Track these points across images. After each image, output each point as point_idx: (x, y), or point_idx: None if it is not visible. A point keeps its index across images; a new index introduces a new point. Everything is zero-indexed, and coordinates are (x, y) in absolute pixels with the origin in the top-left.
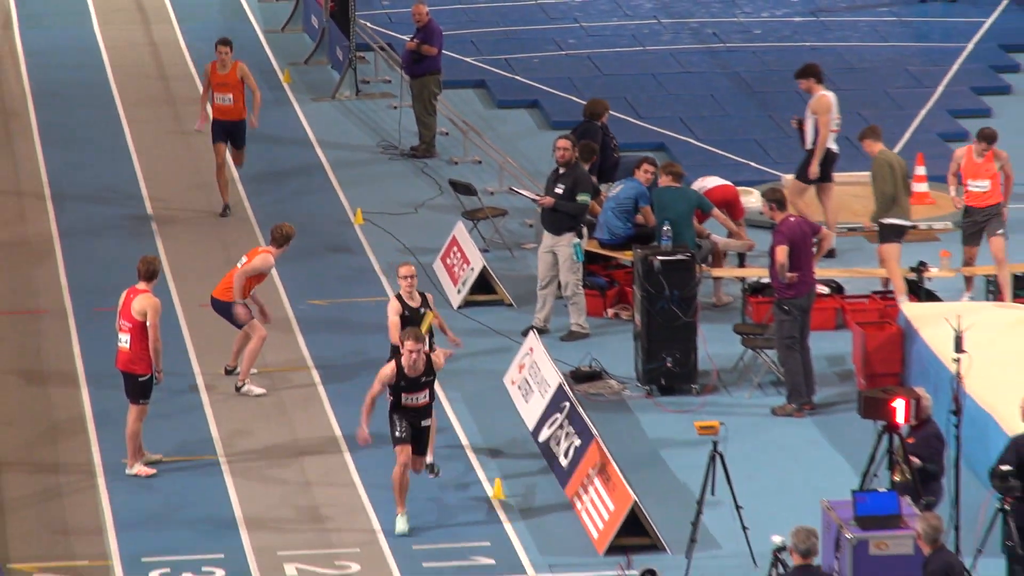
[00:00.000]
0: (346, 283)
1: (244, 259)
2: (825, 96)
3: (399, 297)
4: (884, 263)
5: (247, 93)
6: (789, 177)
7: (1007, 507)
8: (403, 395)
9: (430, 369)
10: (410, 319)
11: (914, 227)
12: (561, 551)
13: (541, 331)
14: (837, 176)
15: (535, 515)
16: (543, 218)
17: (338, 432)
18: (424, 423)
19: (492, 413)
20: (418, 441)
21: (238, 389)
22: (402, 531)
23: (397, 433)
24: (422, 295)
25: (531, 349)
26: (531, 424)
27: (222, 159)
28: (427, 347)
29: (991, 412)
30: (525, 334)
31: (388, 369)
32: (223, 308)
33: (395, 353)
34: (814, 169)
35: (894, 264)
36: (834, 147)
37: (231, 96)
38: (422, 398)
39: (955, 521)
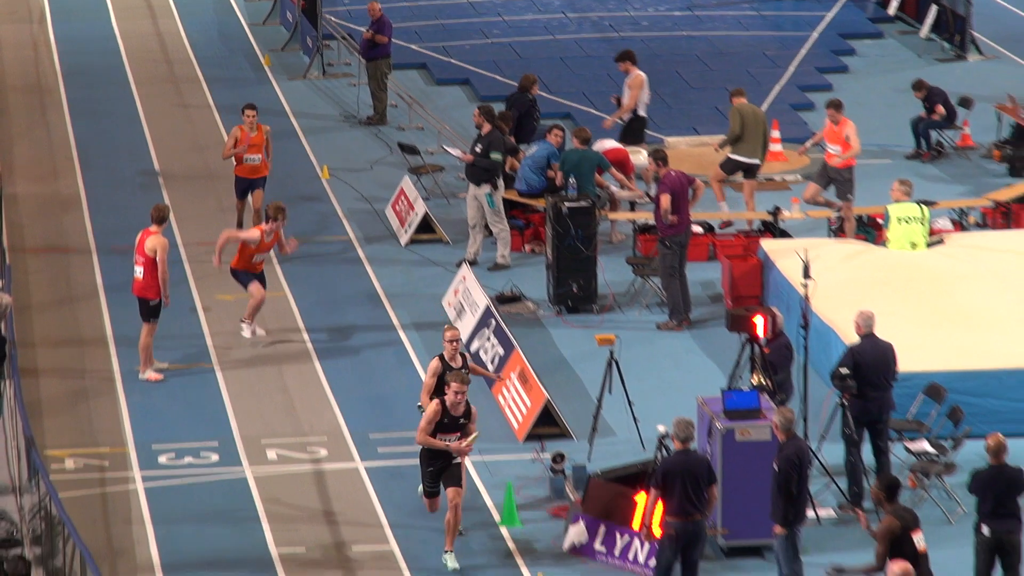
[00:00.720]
0: (315, 225)
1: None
2: (639, 75)
3: (441, 358)
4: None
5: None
6: (673, 139)
7: (845, 402)
8: (439, 435)
9: (468, 413)
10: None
11: (756, 165)
12: (488, 439)
13: (472, 263)
14: (707, 139)
15: None
16: (467, 172)
17: (309, 345)
18: (455, 460)
19: (433, 329)
20: (452, 475)
21: (241, 321)
22: (453, 568)
23: (427, 487)
24: (463, 356)
25: (464, 277)
26: (464, 337)
27: (240, 217)
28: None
29: (832, 326)
30: (459, 265)
31: (434, 407)
32: (235, 275)
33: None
34: (608, 122)
35: (716, 175)
36: (643, 113)
37: (259, 156)
38: (454, 440)
39: (804, 414)
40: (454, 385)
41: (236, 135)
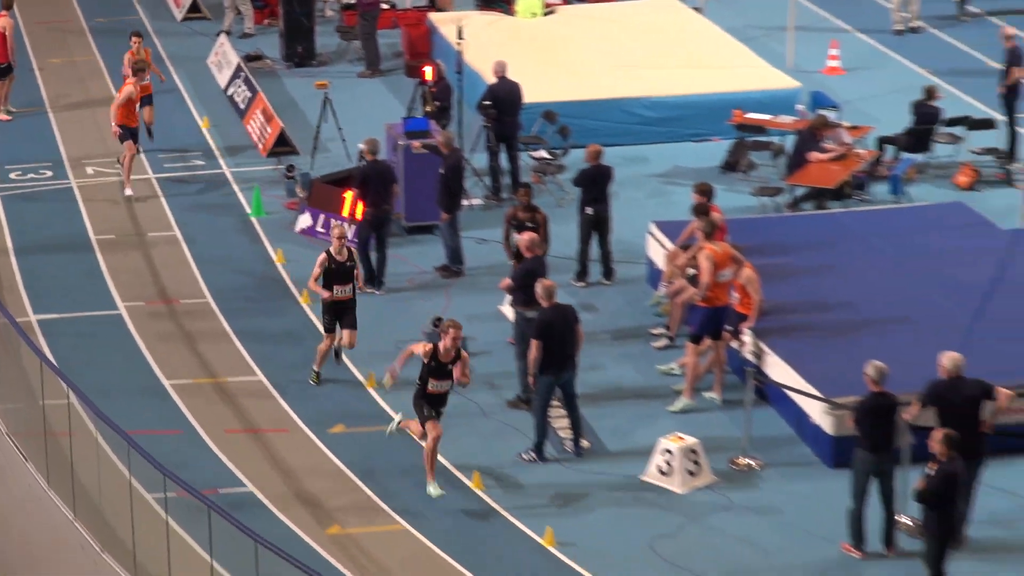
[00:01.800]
0: (113, 9)
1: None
2: None
3: (328, 253)
4: None
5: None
6: None
7: (487, 124)
8: (431, 380)
9: (456, 359)
10: (336, 271)
11: None
12: (240, 154)
13: (227, 33)
14: None
15: (227, 139)
16: None
17: (114, 92)
18: (441, 409)
19: (201, 81)
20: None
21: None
22: (438, 495)
23: (425, 412)
24: (349, 251)
25: (222, 43)
26: (223, 84)
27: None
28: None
29: (479, 72)
30: (218, 35)
31: (423, 347)
32: (127, 131)
33: (326, 306)
34: None
35: None
36: None
37: (147, 76)
38: (446, 386)
39: (460, 133)
40: (452, 331)
41: (125, 61)
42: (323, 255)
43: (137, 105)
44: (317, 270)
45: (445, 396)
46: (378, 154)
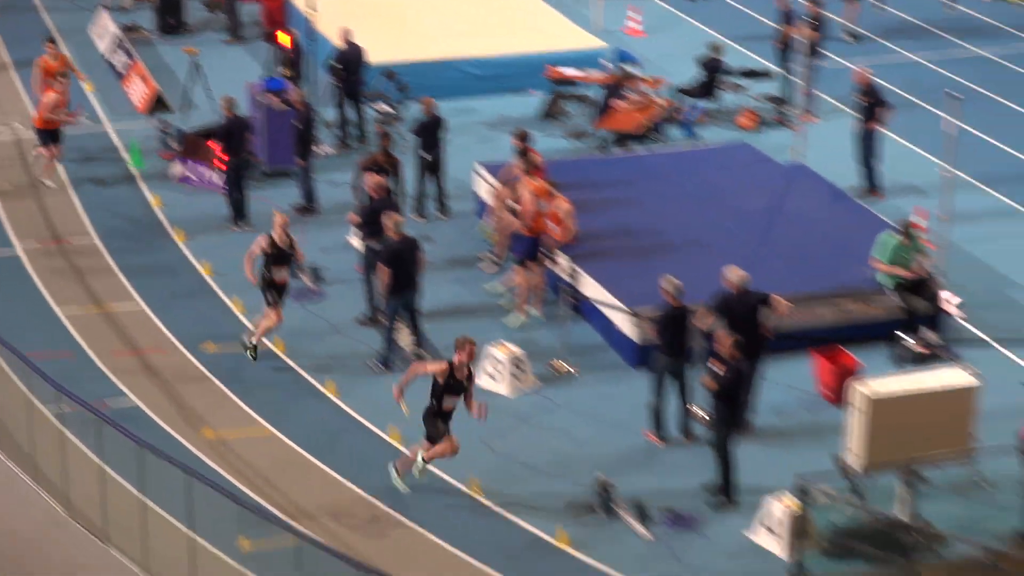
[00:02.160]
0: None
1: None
2: None
3: (270, 237)
4: None
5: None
6: None
7: (337, 84)
8: (446, 397)
9: (470, 377)
10: (278, 255)
11: None
12: (123, 112)
13: (108, 8)
14: None
15: (109, 100)
16: None
17: (8, 60)
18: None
19: (84, 50)
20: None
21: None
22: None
23: (440, 428)
24: (289, 236)
25: (104, 16)
26: (103, 49)
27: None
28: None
29: (328, 38)
30: (98, 8)
31: (437, 367)
32: (40, 133)
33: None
34: None
35: None
36: None
37: (65, 81)
38: (456, 402)
39: (312, 91)
40: (468, 347)
41: (41, 65)
42: (264, 238)
43: (63, 109)
44: (255, 250)
45: (452, 412)
46: (236, 109)
